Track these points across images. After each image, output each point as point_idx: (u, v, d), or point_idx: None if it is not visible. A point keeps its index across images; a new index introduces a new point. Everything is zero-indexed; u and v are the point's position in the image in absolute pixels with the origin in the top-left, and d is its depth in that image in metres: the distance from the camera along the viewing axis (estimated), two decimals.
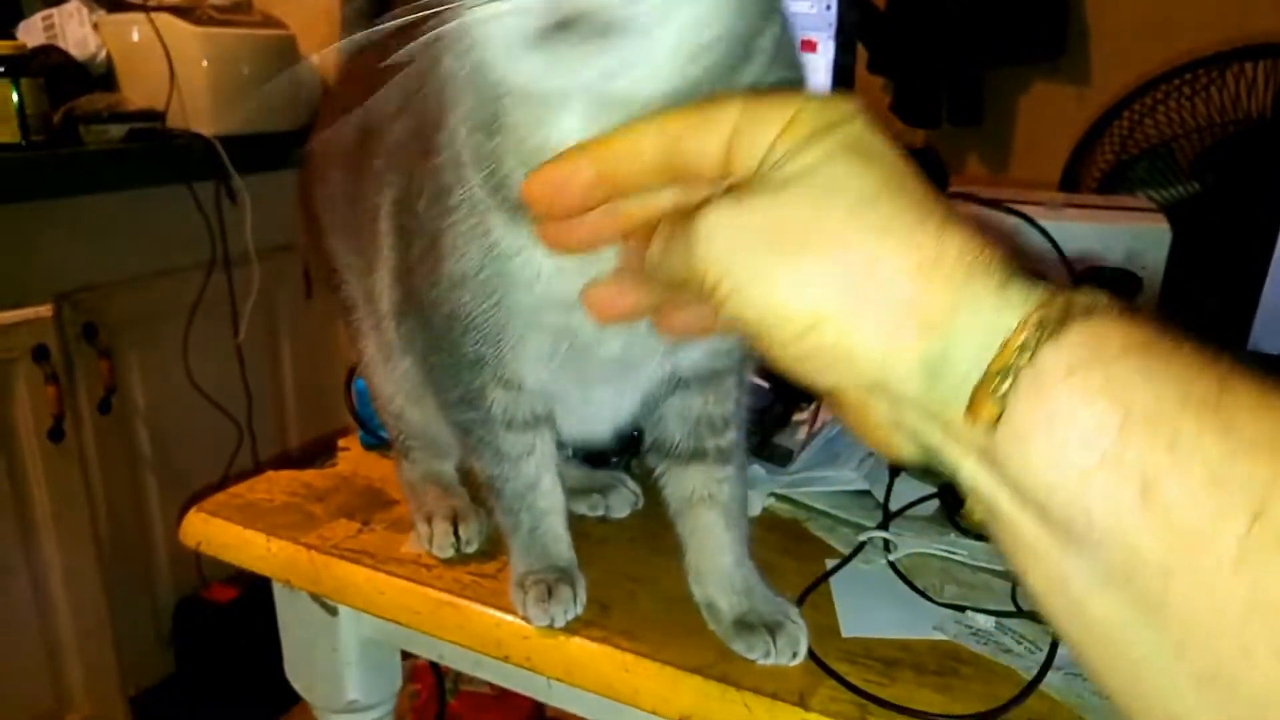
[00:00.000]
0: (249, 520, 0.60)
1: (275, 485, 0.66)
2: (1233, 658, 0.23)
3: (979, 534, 0.56)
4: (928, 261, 0.28)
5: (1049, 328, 0.26)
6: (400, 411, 0.62)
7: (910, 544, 0.56)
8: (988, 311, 0.28)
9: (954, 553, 0.55)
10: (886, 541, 0.56)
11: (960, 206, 0.73)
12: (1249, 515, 0.23)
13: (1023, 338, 0.27)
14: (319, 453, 0.74)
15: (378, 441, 0.71)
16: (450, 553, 0.56)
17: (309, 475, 0.69)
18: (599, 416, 0.55)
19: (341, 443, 0.74)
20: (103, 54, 1.54)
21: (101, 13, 1.56)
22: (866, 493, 0.61)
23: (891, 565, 0.54)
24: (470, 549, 0.57)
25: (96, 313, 1.37)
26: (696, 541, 0.52)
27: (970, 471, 0.28)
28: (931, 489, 0.60)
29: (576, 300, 0.40)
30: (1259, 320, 0.63)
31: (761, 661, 0.47)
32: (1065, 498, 0.25)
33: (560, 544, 0.53)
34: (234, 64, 1.55)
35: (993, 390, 0.27)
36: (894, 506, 0.59)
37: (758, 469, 0.64)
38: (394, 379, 0.60)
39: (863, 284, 0.29)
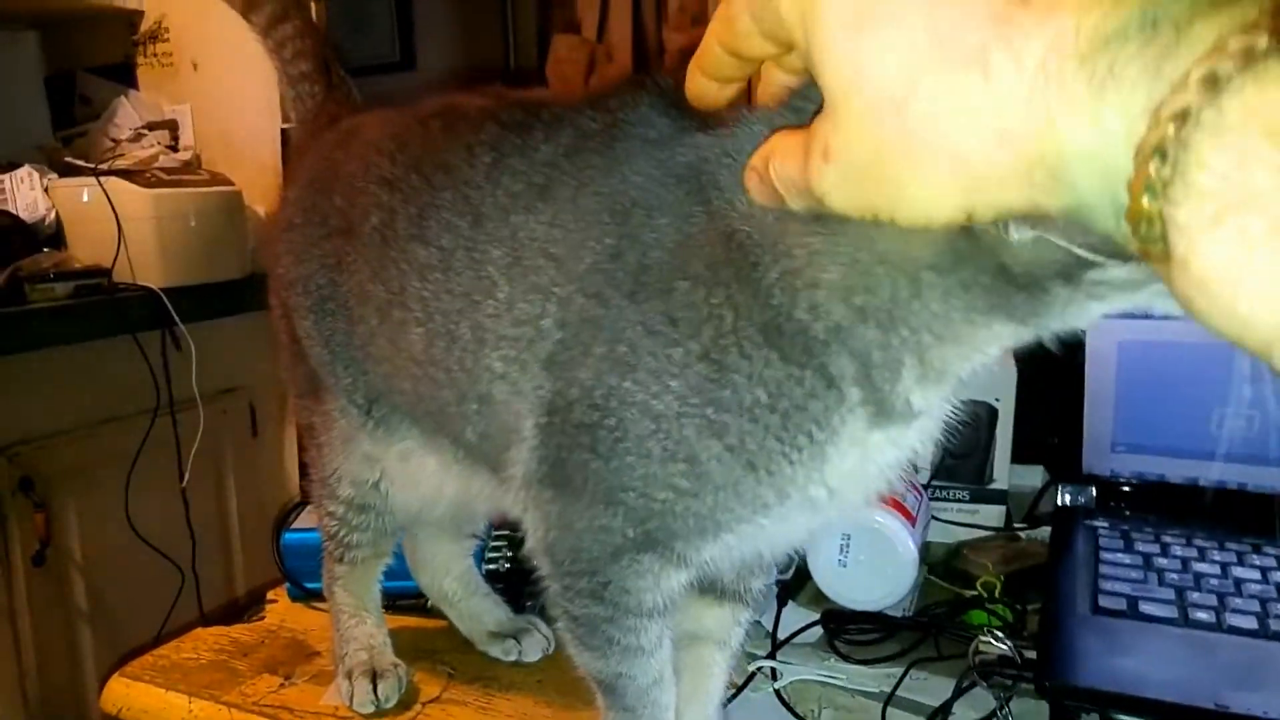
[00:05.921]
0: (171, 682, 0.63)
1: (202, 643, 0.69)
2: None
3: (857, 659, 0.61)
4: None
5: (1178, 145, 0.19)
6: (374, 487, 0.60)
7: (795, 671, 0.61)
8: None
9: (833, 677, 0.60)
10: (774, 669, 0.61)
11: None
12: None
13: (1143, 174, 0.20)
14: (249, 604, 0.77)
15: (305, 593, 0.74)
16: (370, 709, 0.59)
17: (236, 630, 0.71)
18: None
19: (270, 594, 0.77)
20: (52, 215, 1.61)
21: (53, 177, 1.64)
22: (757, 622, 0.66)
23: (777, 694, 0.59)
24: (389, 705, 0.60)
25: (33, 465, 1.38)
26: (692, 680, 0.53)
27: None
28: (815, 616, 0.65)
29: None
30: (1085, 447, 0.71)
31: None
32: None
33: None
34: (181, 220, 1.62)
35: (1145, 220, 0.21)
36: (782, 634, 0.64)
37: None
38: (388, 455, 0.58)
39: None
